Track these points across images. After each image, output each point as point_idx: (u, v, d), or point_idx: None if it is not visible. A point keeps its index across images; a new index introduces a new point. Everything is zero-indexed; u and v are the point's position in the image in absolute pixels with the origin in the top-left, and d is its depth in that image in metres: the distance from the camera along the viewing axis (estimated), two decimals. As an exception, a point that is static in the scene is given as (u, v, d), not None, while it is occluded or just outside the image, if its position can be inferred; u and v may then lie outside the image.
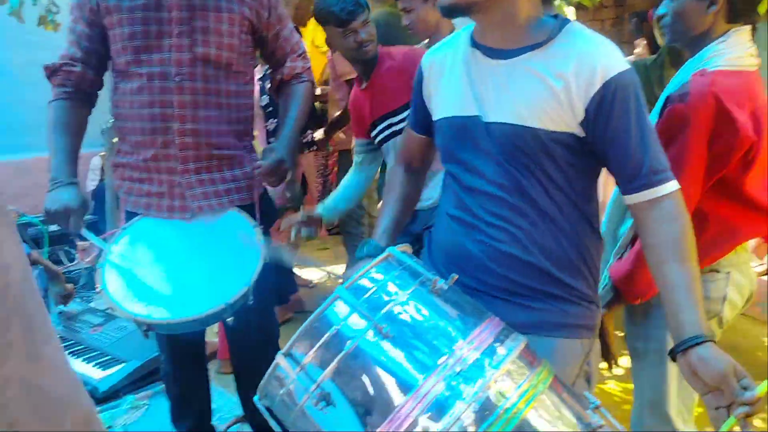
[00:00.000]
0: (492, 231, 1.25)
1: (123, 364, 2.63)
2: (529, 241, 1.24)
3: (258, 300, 1.65)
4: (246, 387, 2.03)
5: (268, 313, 2.01)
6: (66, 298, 2.81)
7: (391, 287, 0.98)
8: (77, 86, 1.80)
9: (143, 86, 1.71)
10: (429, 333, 0.94)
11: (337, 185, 2.48)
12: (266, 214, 1.89)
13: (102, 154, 4.12)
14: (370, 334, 0.90)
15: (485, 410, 0.87)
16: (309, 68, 1.99)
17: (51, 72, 1.79)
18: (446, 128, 1.34)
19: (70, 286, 2.76)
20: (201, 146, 1.75)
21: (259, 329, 1.89)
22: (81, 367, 2.62)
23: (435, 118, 1.37)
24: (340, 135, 3.57)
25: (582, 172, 1.26)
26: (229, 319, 1.59)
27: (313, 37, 3.77)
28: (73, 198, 1.68)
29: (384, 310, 0.93)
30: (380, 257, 1.01)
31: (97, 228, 3.71)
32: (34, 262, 2.55)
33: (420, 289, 0.99)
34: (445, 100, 1.34)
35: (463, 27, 1.36)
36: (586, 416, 0.96)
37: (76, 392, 0.45)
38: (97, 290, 1.63)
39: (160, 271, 1.69)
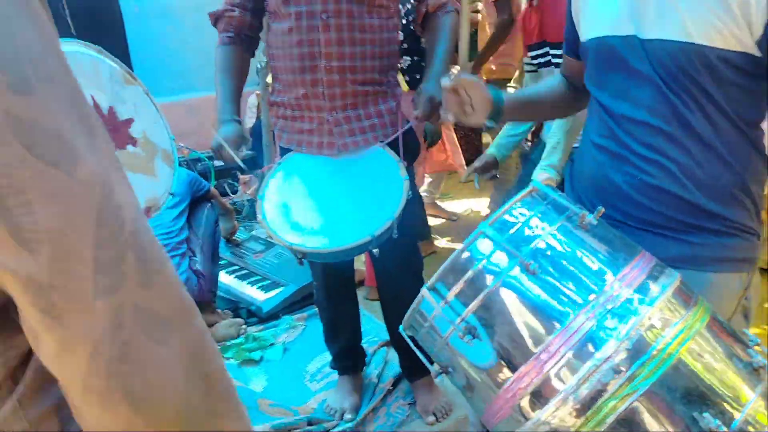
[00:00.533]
0: (642, 164, 1.16)
1: (282, 288, 2.86)
2: (685, 175, 1.14)
3: (401, 233, 1.69)
4: (392, 315, 2.12)
5: (411, 245, 2.06)
6: (231, 233, 3.11)
7: (536, 222, 0.96)
8: (238, 30, 1.89)
9: (292, 26, 1.76)
10: (577, 269, 0.91)
11: None
12: (410, 149, 1.91)
13: (257, 92, 4.34)
14: (516, 271, 0.89)
15: (638, 349, 0.84)
16: None
17: (215, 19, 1.91)
18: (594, 50, 1.24)
19: (236, 224, 3.06)
20: (346, 83, 1.78)
21: (402, 261, 1.95)
22: (246, 289, 2.89)
23: (583, 39, 1.28)
24: (490, 65, 3.46)
25: (753, 97, 1.12)
26: (374, 250, 1.66)
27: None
28: (233, 132, 1.80)
29: (529, 246, 0.91)
30: (524, 192, 0.98)
31: (255, 162, 3.99)
32: (211, 197, 2.81)
33: (566, 224, 0.96)
34: (594, 18, 1.24)
35: None
36: (746, 355, 0.90)
37: (188, 315, 0.49)
38: (258, 220, 1.76)
39: (311, 204, 1.78)
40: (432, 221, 3.87)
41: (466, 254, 0.94)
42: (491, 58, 3.37)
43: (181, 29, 4.49)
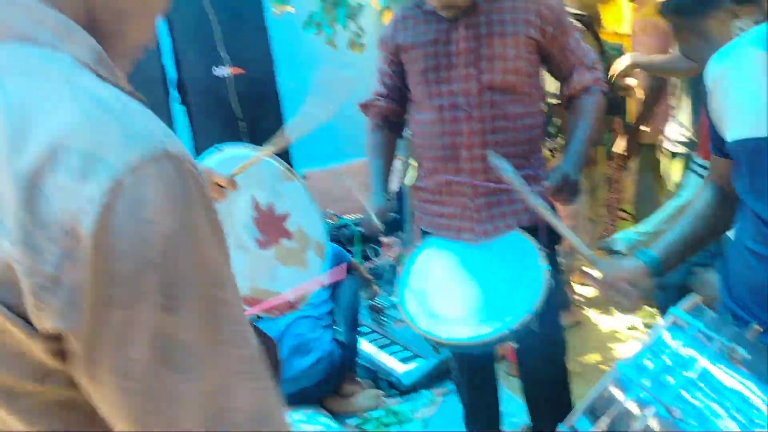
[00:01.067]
0: None
1: (421, 360, 2.89)
2: None
3: (542, 321, 1.66)
4: (533, 396, 2.05)
5: (554, 326, 2.00)
6: (372, 298, 3.23)
7: (678, 355, 0.91)
8: (385, 118, 2.04)
9: (435, 118, 1.84)
10: (729, 414, 0.86)
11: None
12: (551, 234, 1.89)
13: (401, 157, 4.50)
14: (656, 419, 0.85)
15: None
16: (599, 78, 1.90)
17: (364, 108, 2.07)
18: (740, 152, 1.18)
19: (376, 288, 3.16)
20: (489, 170, 1.80)
21: (544, 343, 1.89)
22: (386, 359, 2.95)
23: (728, 140, 1.21)
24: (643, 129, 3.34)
25: None
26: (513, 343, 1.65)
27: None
28: (380, 206, 1.90)
29: (673, 387, 0.87)
30: (665, 321, 0.94)
31: (397, 224, 4.12)
32: (353, 269, 2.95)
33: (715, 359, 0.90)
34: (736, 119, 1.18)
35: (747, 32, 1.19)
36: None
37: None
38: (397, 306, 1.82)
39: (449, 292, 1.80)
40: (579, 288, 3.72)
41: (603, 394, 0.91)
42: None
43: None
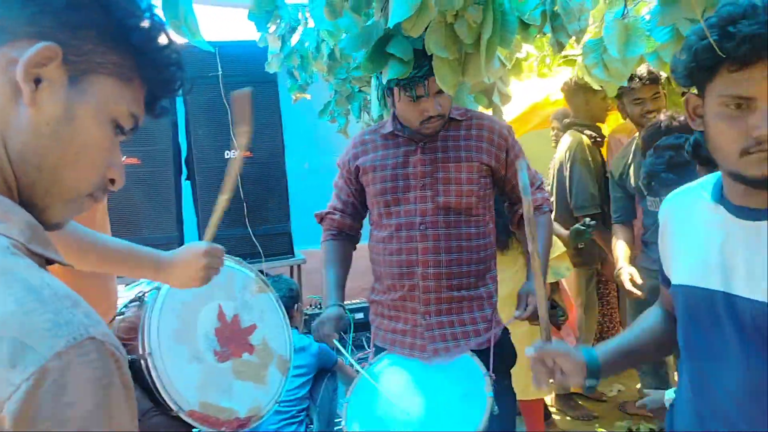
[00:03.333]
0: None
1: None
2: None
3: None
4: None
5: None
6: None
7: None
8: (339, 230, 2.08)
9: (392, 235, 1.89)
10: None
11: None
12: (504, 360, 1.87)
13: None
14: None
15: None
16: (548, 199, 2.02)
17: (320, 219, 2.12)
18: (681, 299, 1.17)
19: None
20: (442, 289, 1.85)
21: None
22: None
23: (672, 282, 1.21)
24: None
25: None
26: None
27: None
28: (333, 313, 1.89)
29: None
30: None
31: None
32: (337, 369, 2.92)
33: None
34: (682, 263, 1.18)
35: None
36: None
37: None
38: (342, 424, 1.78)
39: (395, 409, 1.78)
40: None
41: None
42: None
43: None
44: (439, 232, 1.85)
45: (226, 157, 3.73)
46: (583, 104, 3.40)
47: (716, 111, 1.02)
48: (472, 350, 1.83)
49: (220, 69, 3.68)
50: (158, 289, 1.57)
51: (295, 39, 3.09)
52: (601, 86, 2.07)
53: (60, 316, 0.54)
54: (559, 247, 2.91)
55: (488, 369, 1.74)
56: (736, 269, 1.06)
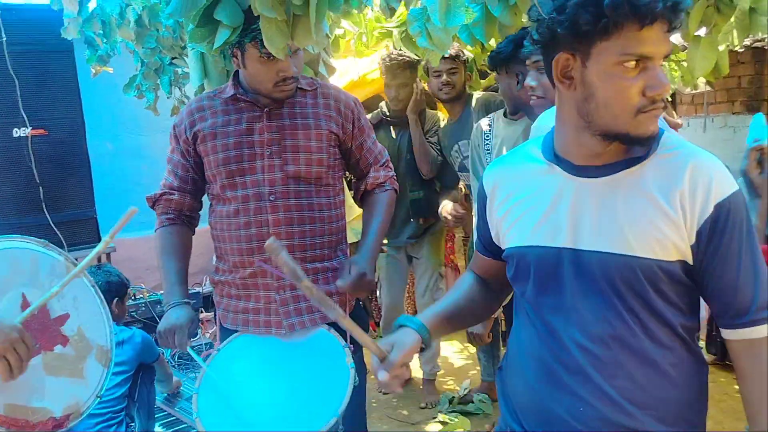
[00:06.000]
0: (582, 391, 1.12)
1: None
2: (629, 400, 1.10)
3: (349, 419, 1.63)
4: None
5: (361, 426, 1.98)
6: (173, 391, 3.06)
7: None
8: (178, 212, 1.90)
9: (239, 208, 1.78)
10: None
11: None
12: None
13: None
14: None
15: None
16: (393, 177, 2.01)
17: (153, 202, 1.91)
18: (521, 260, 1.20)
19: (178, 381, 2.97)
20: (295, 261, 1.77)
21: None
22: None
23: (505, 246, 1.24)
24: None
25: (689, 305, 1.13)
26: None
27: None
28: (182, 317, 1.75)
29: None
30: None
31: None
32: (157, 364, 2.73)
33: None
34: (518, 227, 1.20)
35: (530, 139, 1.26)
36: None
37: None
38: (194, 418, 1.68)
39: (252, 393, 1.72)
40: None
41: None
42: None
43: (154, 165, 4.57)
44: (290, 203, 1.78)
45: (15, 135, 3.28)
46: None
47: (611, 71, 1.02)
48: (328, 324, 1.79)
49: (3, 35, 3.20)
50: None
51: (93, 2, 2.79)
52: (425, 56, 2.14)
53: None
54: (356, 211, 3.03)
55: (345, 341, 1.72)
56: (580, 226, 1.11)
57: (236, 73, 1.85)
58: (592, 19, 0.99)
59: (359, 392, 1.80)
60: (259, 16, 1.54)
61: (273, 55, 1.65)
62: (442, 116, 3.44)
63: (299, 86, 1.83)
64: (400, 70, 3.19)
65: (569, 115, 1.12)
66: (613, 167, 1.11)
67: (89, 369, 1.51)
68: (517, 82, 2.07)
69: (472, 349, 3.93)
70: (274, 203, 1.77)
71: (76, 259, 1.56)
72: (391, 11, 1.70)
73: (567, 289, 1.14)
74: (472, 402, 3.32)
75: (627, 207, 1.08)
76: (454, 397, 3.38)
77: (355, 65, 3.77)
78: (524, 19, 1.87)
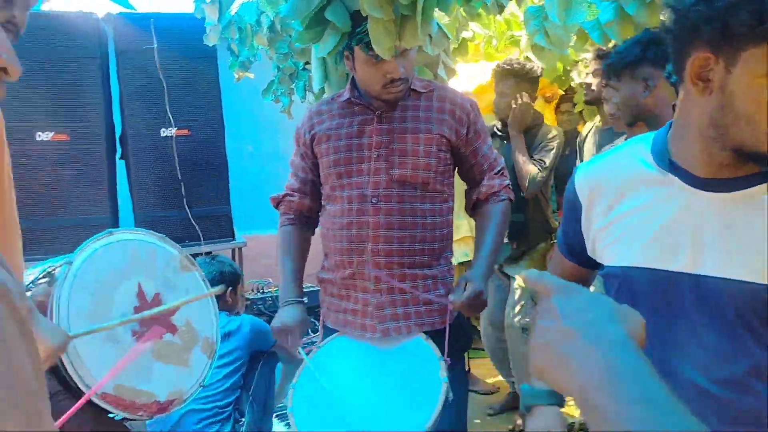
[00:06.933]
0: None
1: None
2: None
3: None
4: None
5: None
6: None
7: None
8: (298, 213, 1.96)
9: (344, 209, 1.80)
10: None
11: None
12: (458, 341, 1.80)
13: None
14: None
15: None
16: (508, 185, 1.89)
17: (276, 203, 1.99)
18: (624, 283, 1.07)
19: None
20: (393, 266, 1.75)
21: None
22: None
23: (606, 263, 1.11)
24: None
25: None
26: None
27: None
28: (294, 317, 1.81)
29: None
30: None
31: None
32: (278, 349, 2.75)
33: None
34: (622, 243, 1.07)
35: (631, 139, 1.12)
36: None
37: None
38: (288, 410, 1.70)
39: (343, 395, 1.71)
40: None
41: None
42: None
43: (285, 166, 4.76)
44: (392, 206, 1.75)
45: (162, 135, 3.57)
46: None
47: (758, 83, 0.87)
48: (424, 332, 1.74)
49: (155, 42, 3.50)
50: (70, 263, 1.45)
51: (234, 9, 2.96)
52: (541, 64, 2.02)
53: None
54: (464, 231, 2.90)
55: (443, 352, 1.66)
56: (704, 247, 0.97)
57: (353, 77, 1.87)
58: (750, 21, 0.85)
59: (458, 409, 1.73)
60: (366, 18, 1.53)
61: (380, 57, 1.64)
62: (558, 132, 3.22)
63: (413, 88, 1.80)
64: (503, 78, 3.04)
65: (697, 123, 0.96)
66: (748, 180, 0.95)
67: (194, 359, 1.58)
68: (646, 88, 1.89)
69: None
70: (377, 206, 1.75)
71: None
72: (500, 8, 1.61)
73: (683, 322, 1.00)
74: None
75: (761, 227, 0.93)
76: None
77: (485, 69, 3.68)
78: (662, 17, 1.71)
